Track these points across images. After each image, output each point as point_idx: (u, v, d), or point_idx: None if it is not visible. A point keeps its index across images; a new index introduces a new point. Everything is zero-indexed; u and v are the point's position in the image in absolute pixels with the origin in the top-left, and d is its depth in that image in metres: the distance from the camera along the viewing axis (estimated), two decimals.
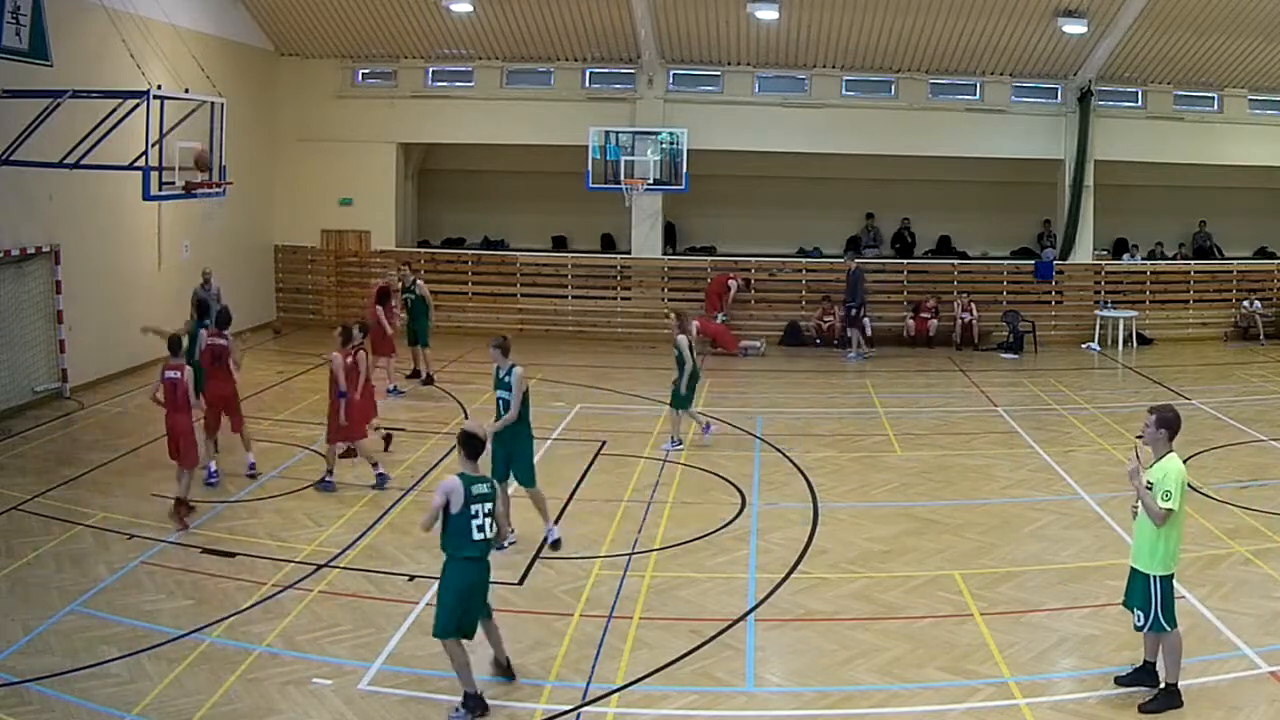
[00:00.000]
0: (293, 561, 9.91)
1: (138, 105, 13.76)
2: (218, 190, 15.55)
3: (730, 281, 22.33)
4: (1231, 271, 23.94)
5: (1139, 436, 8.49)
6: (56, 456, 13.45)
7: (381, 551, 10.27)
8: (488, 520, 7.24)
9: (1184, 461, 13.32)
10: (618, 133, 22.00)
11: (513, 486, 10.62)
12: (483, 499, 7.25)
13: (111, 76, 15.81)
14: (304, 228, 23.76)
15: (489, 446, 10.09)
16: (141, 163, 13.83)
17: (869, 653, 8.20)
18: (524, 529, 10.54)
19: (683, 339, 14.07)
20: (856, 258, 22.54)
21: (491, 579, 7.51)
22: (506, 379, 10.33)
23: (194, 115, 15.04)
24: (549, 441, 14.33)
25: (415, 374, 17.97)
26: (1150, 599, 7.35)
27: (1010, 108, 23.08)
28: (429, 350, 17.99)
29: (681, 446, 14.02)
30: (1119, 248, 24.34)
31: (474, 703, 7.23)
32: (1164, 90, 23.10)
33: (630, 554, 10.29)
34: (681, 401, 14.02)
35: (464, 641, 7.31)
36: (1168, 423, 7.51)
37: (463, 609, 7.27)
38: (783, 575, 9.74)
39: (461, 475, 7.31)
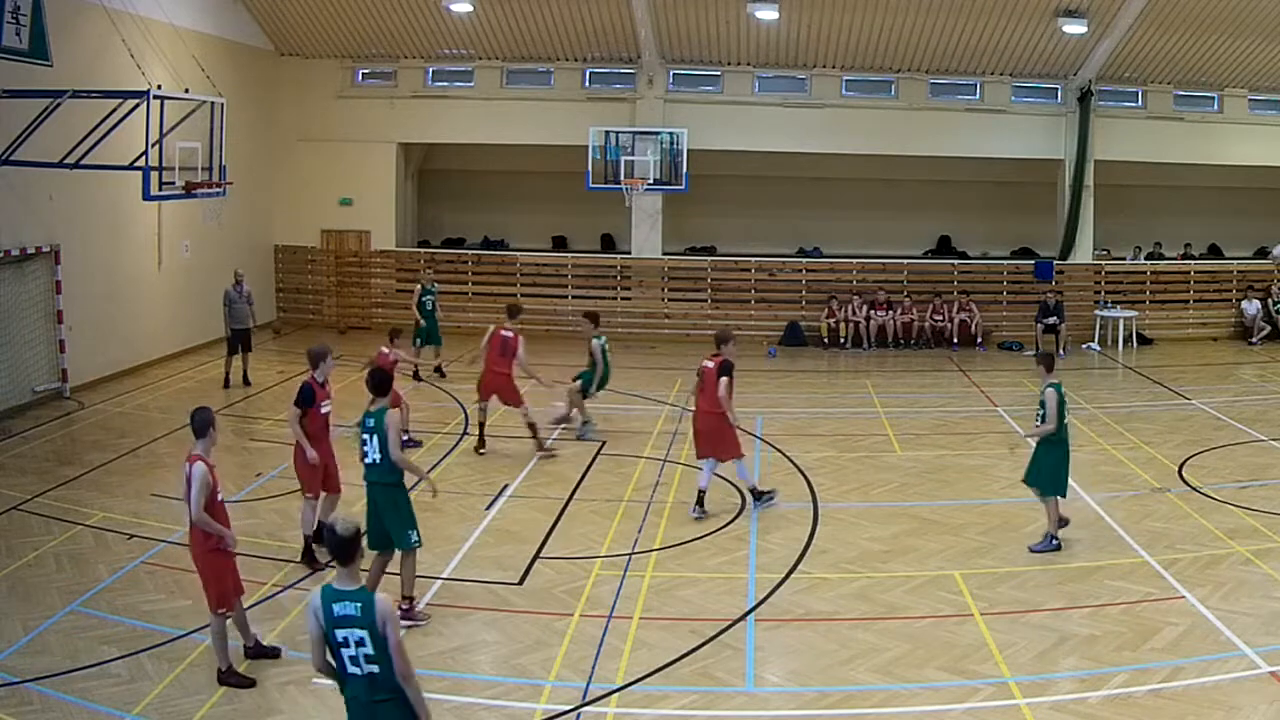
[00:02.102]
0: (293, 561, 9.91)
1: (138, 105, 13.77)
2: (218, 190, 15.57)
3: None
4: (1231, 271, 23.93)
5: None
6: (56, 456, 13.45)
7: None
8: (361, 650, 5.27)
9: (1184, 461, 13.46)
10: (618, 133, 22.00)
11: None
12: (346, 623, 5.29)
13: (111, 76, 15.81)
14: (304, 228, 23.76)
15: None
16: (141, 163, 13.83)
17: (869, 653, 8.20)
18: (525, 526, 10.52)
19: (1054, 391, 10.27)
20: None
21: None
22: None
23: (194, 115, 15.05)
24: (548, 441, 14.32)
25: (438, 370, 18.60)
26: None
27: (1010, 108, 23.07)
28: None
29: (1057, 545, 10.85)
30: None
31: None
32: (1164, 90, 23.10)
33: (630, 554, 10.29)
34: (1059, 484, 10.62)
35: None
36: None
37: None
38: (783, 575, 9.74)
39: (324, 588, 5.41)
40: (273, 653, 8.02)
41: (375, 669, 5.26)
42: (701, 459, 11.59)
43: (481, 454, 13.73)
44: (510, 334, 13.72)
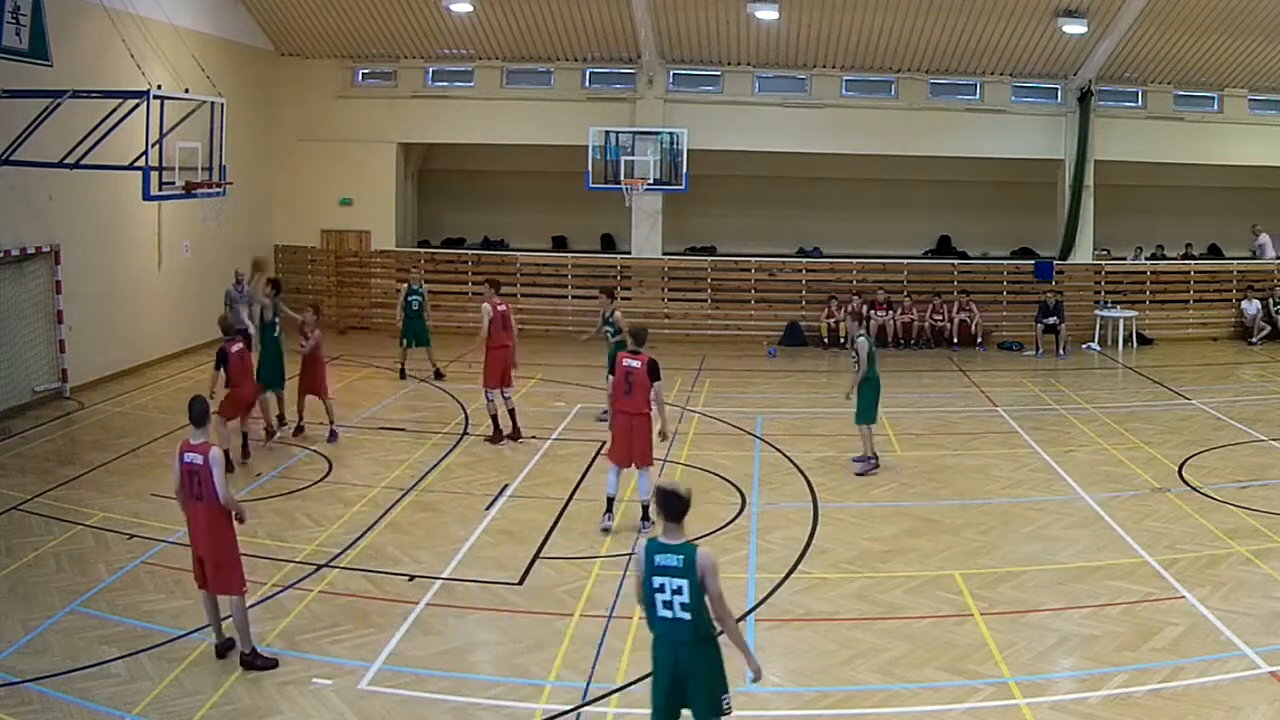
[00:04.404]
0: (293, 561, 9.91)
1: (138, 105, 13.77)
2: (218, 190, 15.57)
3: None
4: (1231, 271, 23.93)
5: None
6: (56, 456, 13.44)
7: (381, 551, 10.26)
8: (676, 598, 5.92)
9: (1183, 461, 13.45)
10: (618, 133, 21.99)
11: None
12: (666, 572, 5.93)
13: (111, 76, 15.81)
14: (304, 228, 23.75)
15: None
16: (141, 163, 13.83)
17: (869, 653, 8.20)
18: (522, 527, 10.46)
19: (864, 341, 12.88)
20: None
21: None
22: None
23: (194, 115, 15.05)
24: (549, 441, 14.34)
25: (438, 374, 18.38)
26: None
27: (1010, 108, 23.07)
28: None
29: (875, 465, 13.01)
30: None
31: None
32: (1164, 90, 23.10)
33: (630, 554, 10.27)
34: (868, 414, 12.98)
35: None
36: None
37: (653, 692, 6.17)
38: (783, 575, 9.73)
39: (650, 542, 6.07)
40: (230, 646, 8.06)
41: (687, 616, 5.88)
42: (620, 465, 10.86)
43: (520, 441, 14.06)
44: (505, 307, 14.37)
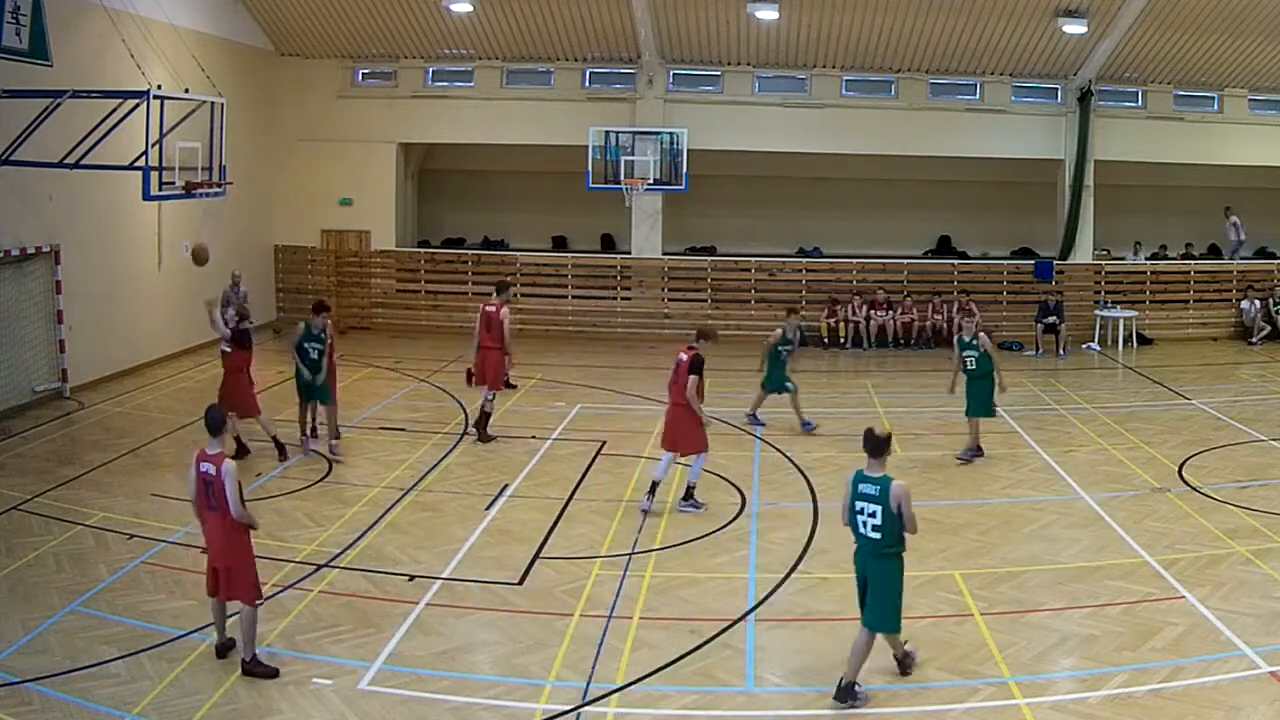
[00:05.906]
0: (293, 561, 9.90)
1: (138, 105, 13.77)
2: (218, 190, 15.57)
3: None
4: (1231, 271, 23.93)
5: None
6: (56, 456, 13.44)
7: (381, 551, 10.26)
8: (870, 520, 7.43)
9: (1183, 461, 13.44)
10: (618, 133, 22.00)
11: None
12: (866, 499, 7.45)
13: (111, 76, 15.81)
14: (304, 228, 23.75)
15: None
16: (141, 163, 13.83)
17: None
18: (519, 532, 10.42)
19: (985, 337, 13.77)
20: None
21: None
22: None
23: (194, 115, 15.05)
24: (549, 441, 14.33)
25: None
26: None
27: (1010, 108, 23.07)
28: None
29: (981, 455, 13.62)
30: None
31: (842, 693, 7.43)
32: (1164, 90, 23.10)
33: (630, 554, 10.29)
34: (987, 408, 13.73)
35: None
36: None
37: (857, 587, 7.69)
38: (783, 575, 9.73)
39: (857, 472, 7.61)
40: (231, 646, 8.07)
41: (877, 535, 7.43)
42: (664, 450, 11.63)
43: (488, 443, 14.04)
44: (493, 309, 14.26)
